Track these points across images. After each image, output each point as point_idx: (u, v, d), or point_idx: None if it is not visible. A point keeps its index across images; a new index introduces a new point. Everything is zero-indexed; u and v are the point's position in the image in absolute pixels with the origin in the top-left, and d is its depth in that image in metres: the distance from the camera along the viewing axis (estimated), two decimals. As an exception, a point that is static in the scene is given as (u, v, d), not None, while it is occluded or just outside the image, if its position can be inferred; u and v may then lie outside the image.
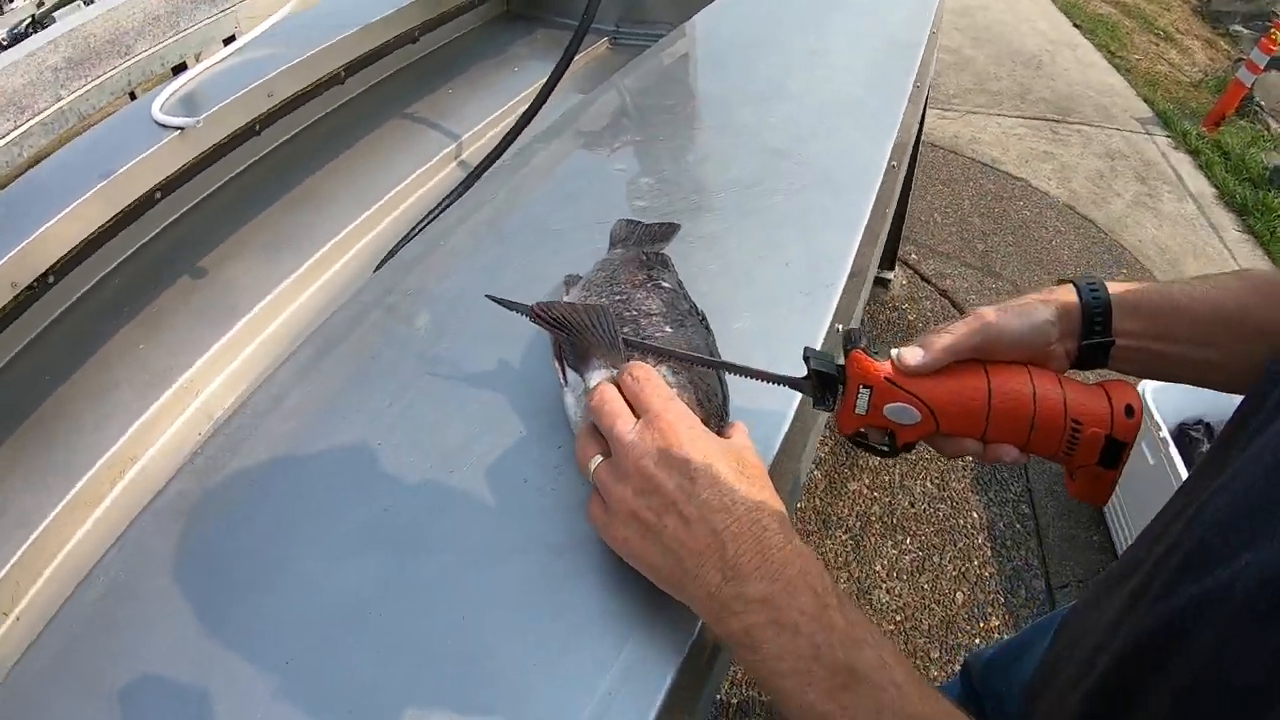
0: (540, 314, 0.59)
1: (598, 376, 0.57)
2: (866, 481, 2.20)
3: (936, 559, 2.01)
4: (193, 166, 1.13)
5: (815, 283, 0.78)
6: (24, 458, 0.89)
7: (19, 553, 0.79)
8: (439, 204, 1.13)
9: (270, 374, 0.74)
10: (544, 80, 1.19)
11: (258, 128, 1.26)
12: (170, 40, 1.13)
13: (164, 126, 1.06)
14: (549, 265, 0.82)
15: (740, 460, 0.51)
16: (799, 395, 0.66)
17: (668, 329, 0.64)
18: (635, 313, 0.65)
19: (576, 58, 1.36)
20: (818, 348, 0.65)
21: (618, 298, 0.67)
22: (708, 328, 0.67)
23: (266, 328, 1.08)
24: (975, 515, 2.11)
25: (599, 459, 0.53)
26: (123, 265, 1.12)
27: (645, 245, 0.80)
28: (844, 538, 2.04)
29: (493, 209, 0.92)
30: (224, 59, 1.25)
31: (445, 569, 0.57)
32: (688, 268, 0.75)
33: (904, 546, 2.04)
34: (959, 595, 1.94)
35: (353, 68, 1.36)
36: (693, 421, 0.52)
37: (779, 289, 0.78)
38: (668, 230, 0.83)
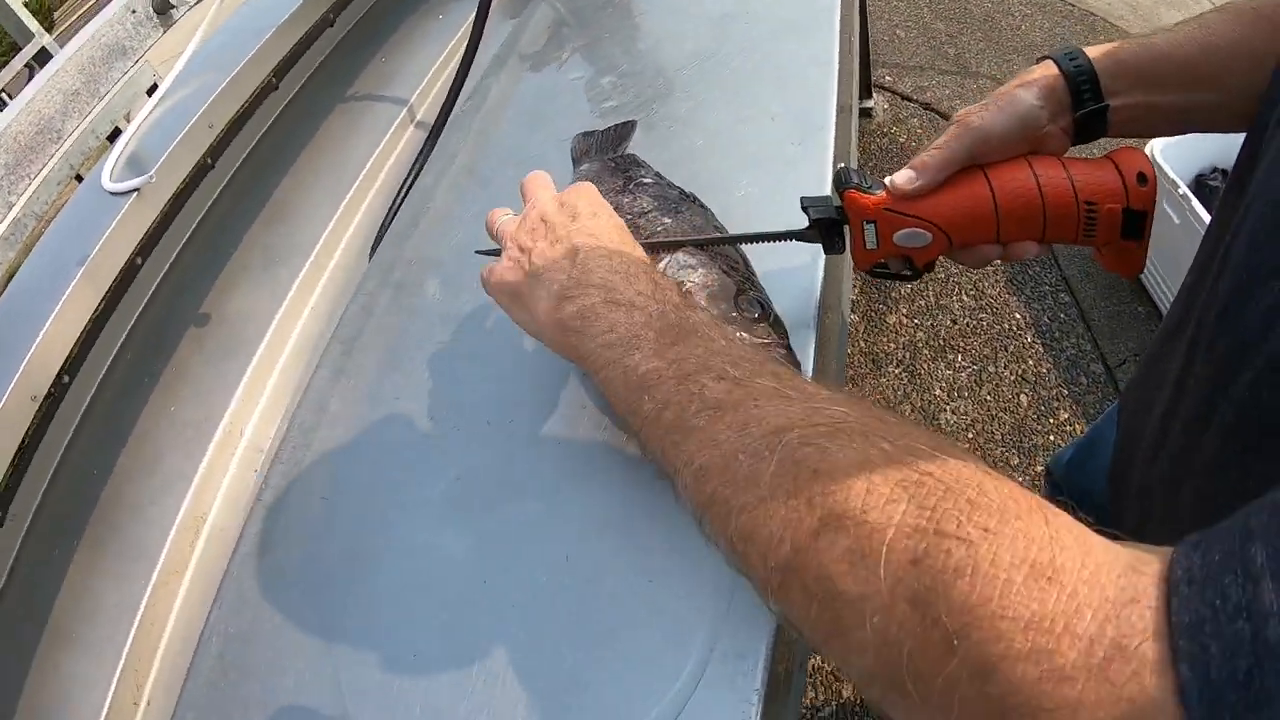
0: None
1: None
2: (904, 311, 2.17)
3: (992, 368, 2.00)
4: (161, 220, 1.10)
5: (805, 128, 0.75)
6: (101, 555, 0.90)
7: (128, 643, 0.81)
8: (410, 171, 1.09)
9: (305, 387, 0.74)
10: (472, 16, 1.14)
11: (209, 161, 1.22)
12: (97, 109, 1.09)
13: (120, 194, 1.03)
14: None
15: (625, 232, 0.54)
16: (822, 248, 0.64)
17: (667, 220, 0.64)
18: (629, 216, 0.64)
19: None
20: (827, 192, 0.62)
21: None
22: (702, 205, 0.67)
23: (285, 346, 1.07)
24: (1018, 316, 2.08)
25: (507, 215, 0.59)
26: (128, 339, 1.11)
27: (609, 152, 0.79)
28: (897, 372, 2.03)
29: (466, 157, 0.89)
30: (154, 108, 1.21)
31: (533, 522, 0.57)
32: (672, 152, 0.73)
33: (957, 365, 2.02)
34: (1022, 398, 1.93)
35: (281, 70, 1.30)
36: (598, 200, 0.56)
37: (770, 145, 0.75)
38: (626, 129, 0.81)
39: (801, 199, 0.58)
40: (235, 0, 1.38)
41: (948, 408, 1.94)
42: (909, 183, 0.54)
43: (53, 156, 0.91)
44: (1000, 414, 1.91)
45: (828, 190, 0.69)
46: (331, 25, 1.45)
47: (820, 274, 0.64)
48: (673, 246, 0.60)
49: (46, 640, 0.86)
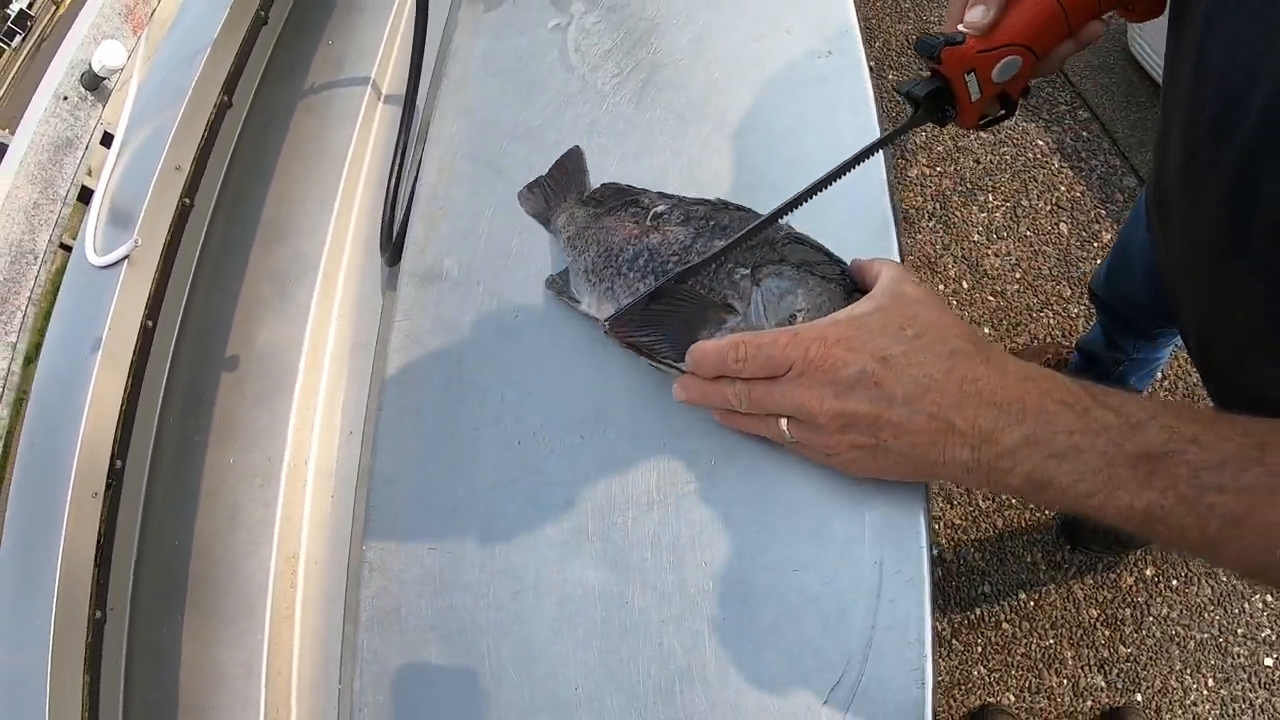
0: (623, 336, 0.53)
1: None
2: (924, 161, 2.06)
3: (1025, 202, 1.90)
4: (159, 278, 1.04)
5: (829, 34, 0.65)
6: (209, 620, 0.89)
7: (262, 698, 0.79)
8: (395, 153, 1.02)
9: (375, 436, 0.70)
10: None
11: (188, 201, 1.15)
12: (64, 210, 1.01)
13: (109, 266, 0.97)
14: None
15: (894, 318, 0.46)
16: (868, 159, 0.58)
17: (718, 242, 0.53)
18: (679, 260, 0.54)
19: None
20: (870, 106, 0.60)
21: (642, 262, 0.55)
22: (741, 208, 0.57)
23: (322, 365, 1.02)
24: (1040, 143, 1.97)
25: (783, 423, 0.49)
26: (165, 405, 1.07)
27: (575, 193, 0.66)
28: (931, 225, 1.94)
29: (464, 141, 0.80)
30: (115, 162, 1.13)
31: (658, 533, 0.53)
32: (691, 92, 0.65)
33: (990, 205, 1.93)
34: (1062, 226, 1.85)
35: (230, 85, 1.21)
36: (824, 334, 0.46)
37: (797, 64, 0.65)
38: (572, 157, 0.68)
39: (896, 88, 0.55)
40: (160, 32, 1.28)
41: (989, 251, 1.86)
42: (984, 16, 0.51)
43: (37, 278, 0.84)
44: (1043, 247, 1.83)
45: (871, 106, 0.64)
46: (266, 23, 1.34)
47: (886, 190, 0.57)
48: (735, 250, 0.52)
49: (184, 718, 0.86)
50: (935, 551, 1.62)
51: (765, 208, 0.57)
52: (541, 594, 0.56)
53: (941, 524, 1.65)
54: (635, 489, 0.55)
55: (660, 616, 0.52)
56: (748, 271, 0.51)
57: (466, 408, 0.64)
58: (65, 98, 0.88)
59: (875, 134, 0.57)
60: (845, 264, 0.53)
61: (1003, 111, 0.57)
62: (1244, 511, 0.39)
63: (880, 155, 0.58)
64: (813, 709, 0.47)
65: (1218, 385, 0.70)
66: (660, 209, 0.57)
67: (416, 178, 0.86)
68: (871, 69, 0.63)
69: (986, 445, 0.42)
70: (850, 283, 0.52)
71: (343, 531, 0.79)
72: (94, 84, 0.91)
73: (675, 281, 0.52)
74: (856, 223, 0.57)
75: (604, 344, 0.58)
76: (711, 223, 0.55)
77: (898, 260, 0.56)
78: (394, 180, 1.00)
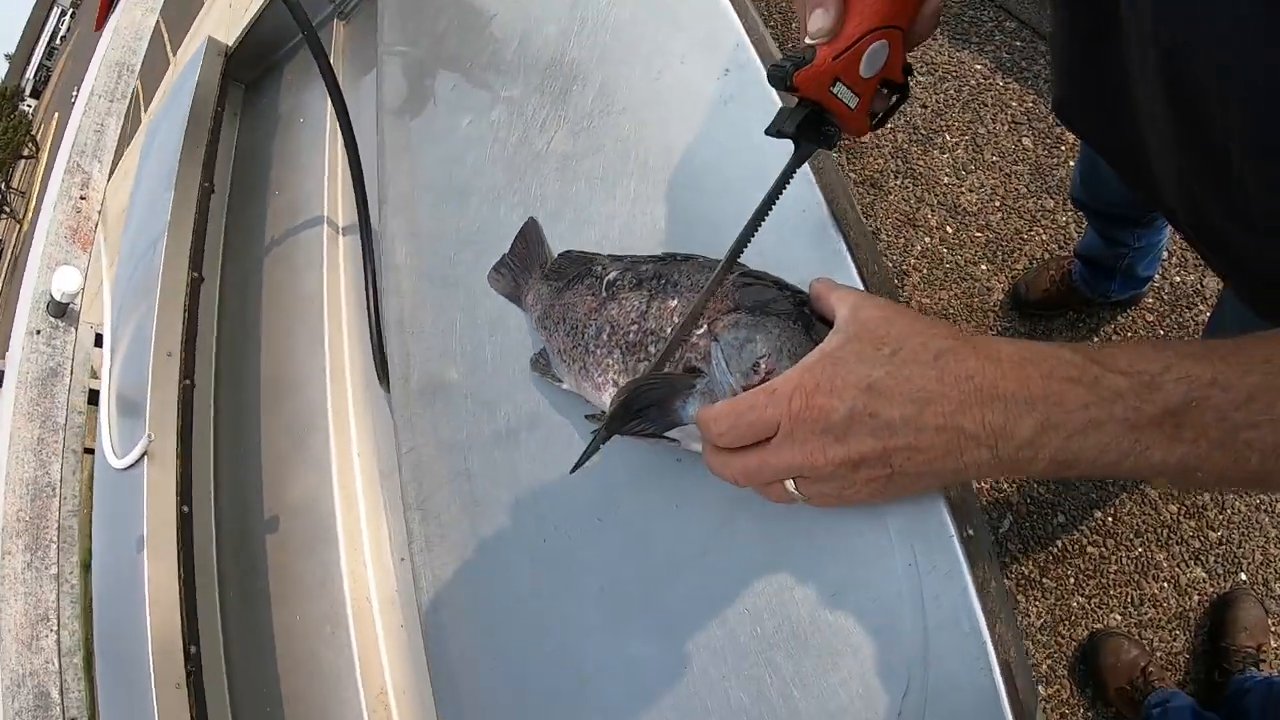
0: (619, 430, 0.51)
1: (695, 411, 0.50)
2: (872, 127, 2.06)
3: (982, 129, 1.89)
4: (181, 463, 1.07)
5: (719, 51, 0.65)
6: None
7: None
8: (367, 289, 1.04)
9: (413, 571, 0.71)
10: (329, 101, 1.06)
11: (188, 381, 1.18)
12: (68, 435, 1.05)
13: (131, 466, 1.00)
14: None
15: (866, 342, 0.44)
16: (808, 170, 0.57)
17: (672, 303, 0.53)
18: (638, 329, 0.54)
19: (332, 52, 1.22)
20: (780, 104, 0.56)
21: (605, 336, 0.56)
22: (681, 257, 0.57)
23: (358, 504, 1.05)
24: (979, 68, 1.96)
25: (790, 485, 0.46)
26: (222, 582, 1.10)
27: (539, 266, 0.66)
28: (899, 182, 1.93)
29: (418, 262, 0.82)
30: (111, 362, 1.17)
31: (698, 596, 0.53)
32: (608, 152, 0.65)
33: (949, 144, 1.92)
34: (1025, 142, 1.83)
35: (195, 259, 1.25)
36: (800, 383, 0.44)
37: (700, 89, 0.65)
38: (529, 230, 0.69)
39: (766, 130, 0.51)
40: (116, 231, 1.32)
41: (963, 189, 1.85)
42: (825, 17, 0.47)
43: (58, 511, 0.87)
44: (1013, 168, 1.81)
45: (780, 103, 0.61)
46: (214, 191, 1.38)
47: (822, 202, 0.57)
48: (699, 312, 0.51)
49: None
50: (1001, 500, 1.60)
51: (706, 245, 0.57)
52: (606, 678, 0.56)
53: (988, 482, 1.63)
54: (661, 557, 0.55)
55: (720, 672, 0.52)
56: (704, 329, 0.51)
57: (488, 521, 0.65)
58: (38, 331, 0.91)
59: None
60: (803, 291, 0.52)
61: (895, 98, 0.53)
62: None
63: (815, 189, 0.57)
64: (891, 724, 0.47)
65: (1225, 259, 0.69)
66: (611, 276, 0.58)
67: (378, 299, 0.88)
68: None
69: (1003, 441, 0.40)
70: (809, 311, 0.50)
71: (422, 656, 0.80)
72: (61, 311, 0.95)
73: (642, 387, 0.50)
74: (800, 238, 0.57)
75: (594, 428, 0.59)
76: (662, 280, 0.55)
77: (853, 271, 0.55)
78: (373, 311, 1.02)
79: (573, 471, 0.53)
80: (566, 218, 0.68)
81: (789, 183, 0.52)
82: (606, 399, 0.55)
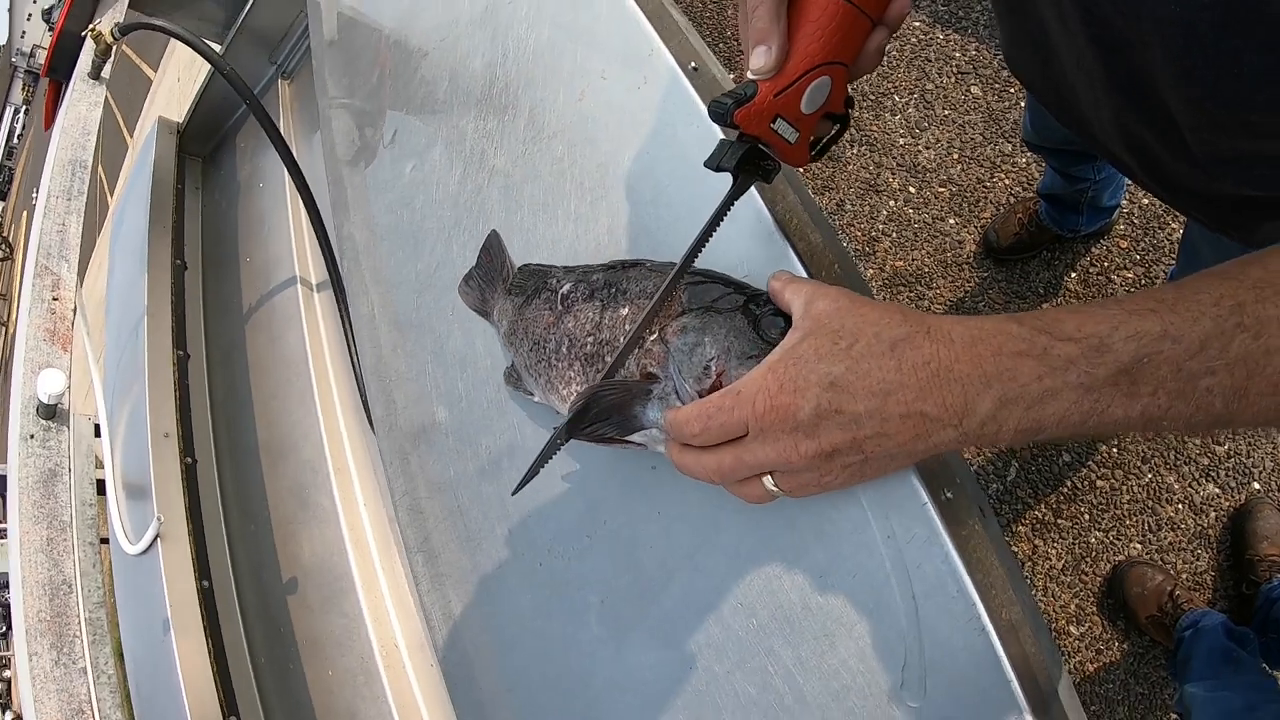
0: (578, 435, 0.52)
1: (655, 415, 0.51)
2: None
3: (930, 85, 1.89)
4: (194, 540, 1.09)
5: (639, 64, 0.65)
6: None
7: None
8: (349, 346, 1.05)
9: (424, 612, 0.72)
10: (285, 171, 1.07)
11: (189, 460, 1.20)
12: (76, 533, 1.07)
13: (146, 550, 1.01)
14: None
15: (823, 338, 0.44)
16: (759, 198, 0.58)
17: (623, 311, 0.54)
18: (594, 340, 0.55)
19: (281, 111, 1.21)
20: (705, 115, 0.57)
21: (564, 349, 0.57)
22: (628, 264, 0.58)
23: (371, 554, 1.06)
24: (916, 24, 1.95)
25: (768, 482, 0.47)
26: (251, 649, 1.11)
27: (503, 279, 0.67)
28: (856, 150, 1.93)
29: (384, 310, 0.83)
30: (111, 450, 1.18)
31: (693, 596, 0.54)
32: (546, 178, 0.66)
33: (899, 105, 1.92)
34: (974, 90, 1.83)
35: (178, 336, 1.26)
36: (765, 384, 0.45)
37: (623, 109, 0.65)
38: (491, 243, 0.69)
39: (706, 163, 0.51)
40: (97, 317, 1.33)
41: (920, 146, 1.85)
42: (767, 55, 0.47)
43: (79, 606, 0.89)
44: (966, 118, 1.81)
45: (701, 112, 0.61)
46: (186, 267, 1.39)
47: (770, 218, 0.57)
48: (654, 320, 0.51)
49: None
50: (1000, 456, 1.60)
51: (651, 253, 0.58)
52: (618, 692, 0.57)
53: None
54: (651, 564, 0.56)
55: (724, 668, 0.52)
56: (655, 335, 0.51)
57: (485, 553, 0.66)
58: (32, 436, 0.93)
59: (717, 136, 0.55)
60: (749, 287, 0.52)
61: (836, 128, 0.53)
62: (1243, 383, 0.37)
63: (760, 206, 0.57)
64: (894, 697, 0.47)
65: (1177, 196, 0.69)
66: (565, 289, 0.59)
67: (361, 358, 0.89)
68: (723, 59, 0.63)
69: (966, 419, 0.41)
70: (757, 306, 0.51)
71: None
72: (50, 412, 0.96)
73: (600, 393, 0.51)
74: (743, 233, 0.57)
75: (570, 447, 0.59)
76: (612, 289, 0.56)
77: (795, 262, 0.55)
78: (355, 364, 1.03)
79: (528, 477, 0.54)
80: (516, 244, 0.68)
81: (727, 214, 0.52)
82: None
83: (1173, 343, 0.38)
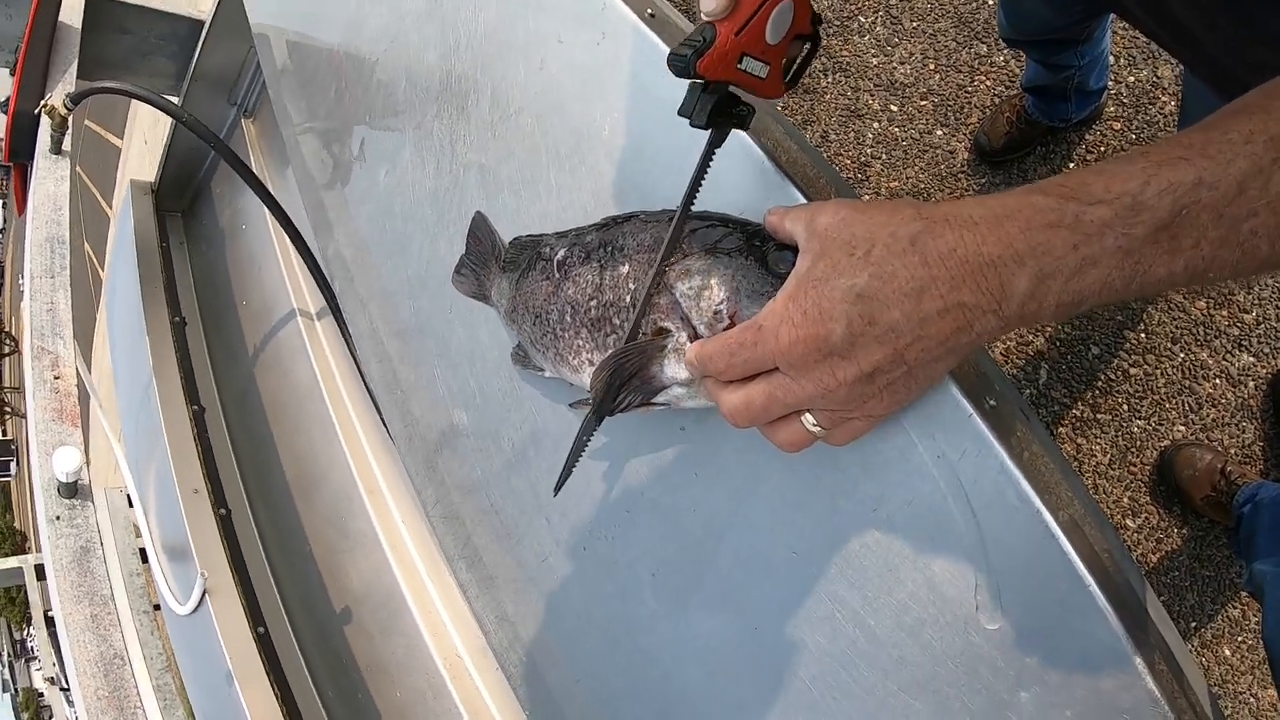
0: (609, 411, 0.50)
1: (675, 371, 0.49)
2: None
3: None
4: (242, 589, 1.08)
5: (592, 20, 0.61)
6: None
7: None
8: (359, 373, 1.04)
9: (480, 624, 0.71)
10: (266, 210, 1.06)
11: (222, 511, 1.19)
12: (120, 607, 1.06)
13: (197, 608, 1.01)
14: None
15: (837, 252, 0.41)
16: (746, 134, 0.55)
17: (623, 269, 0.51)
18: (598, 304, 0.53)
19: (250, 150, 1.20)
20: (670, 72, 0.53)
21: (569, 318, 0.55)
22: (622, 218, 0.55)
23: (417, 571, 1.05)
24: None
25: (809, 418, 0.44)
26: (318, 689, 1.11)
27: (495, 259, 0.65)
28: (831, 78, 1.87)
29: (382, 324, 0.81)
30: (145, 515, 1.18)
31: (743, 564, 0.52)
32: (519, 156, 0.63)
33: (865, 25, 1.85)
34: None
35: (190, 391, 1.25)
36: (787, 315, 0.41)
37: (585, 69, 0.62)
38: (477, 223, 0.67)
39: (679, 111, 0.47)
40: (108, 392, 1.33)
41: (894, 63, 1.79)
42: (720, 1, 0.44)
43: (135, 677, 0.88)
44: (935, 25, 1.76)
45: (664, 58, 0.58)
46: (186, 323, 1.38)
47: (765, 157, 0.54)
48: (662, 268, 0.49)
49: None
50: (1029, 363, 1.56)
51: (642, 207, 0.55)
52: (684, 664, 0.55)
53: (1012, 340, 1.58)
54: (697, 528, 0.54)
55: (790, 622, 0.50)
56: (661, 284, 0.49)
57: (527, 547, 0.64)
58: (58, 518, 0.92)
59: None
60: (752, 223, 0.49)
61: (807, 48, 0.50)
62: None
63: (750, 145, 0.54)
64: (970, 622, 0.45)
65: (1184, 45, 0.65)
66: (560, 255, 0.56)
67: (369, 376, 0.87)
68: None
69: (1005, 303, 0.38)
70: (763, 242, 0.48)
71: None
72: (72, 491, 0.95)
73: (619, 362, 0.49)
74: (734, 171, 0.54)
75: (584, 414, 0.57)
76: (608, 248, 0.53)
77: (795, 193, 0.52)
78: (366, 384, 1.02)
79: (566, 472, 0.53)
80: (503, 227, 0.66)
81: (710, 163, 0.50)
82: (586, 378, 0.53)
83: (1209, 189, 0.35)
